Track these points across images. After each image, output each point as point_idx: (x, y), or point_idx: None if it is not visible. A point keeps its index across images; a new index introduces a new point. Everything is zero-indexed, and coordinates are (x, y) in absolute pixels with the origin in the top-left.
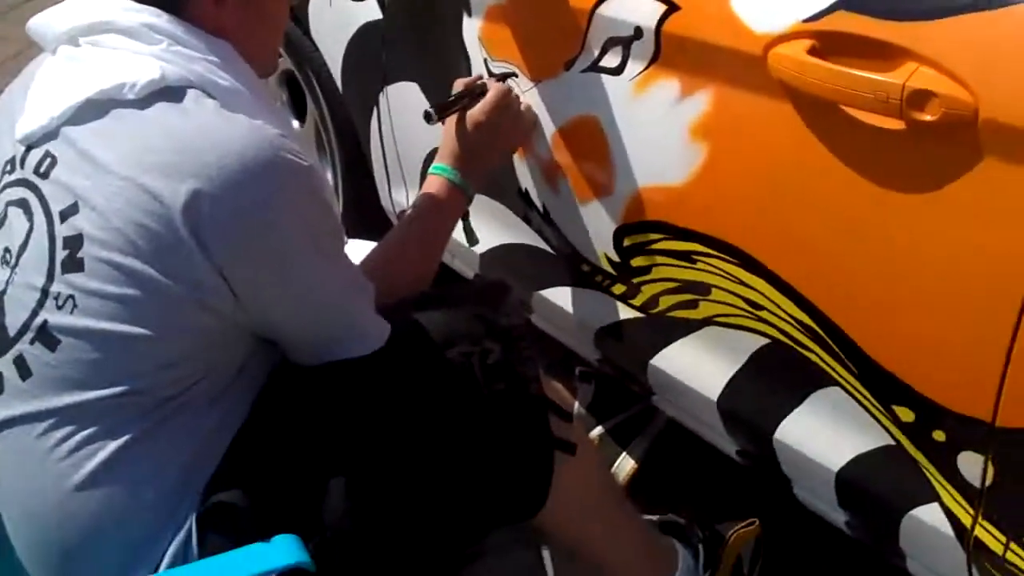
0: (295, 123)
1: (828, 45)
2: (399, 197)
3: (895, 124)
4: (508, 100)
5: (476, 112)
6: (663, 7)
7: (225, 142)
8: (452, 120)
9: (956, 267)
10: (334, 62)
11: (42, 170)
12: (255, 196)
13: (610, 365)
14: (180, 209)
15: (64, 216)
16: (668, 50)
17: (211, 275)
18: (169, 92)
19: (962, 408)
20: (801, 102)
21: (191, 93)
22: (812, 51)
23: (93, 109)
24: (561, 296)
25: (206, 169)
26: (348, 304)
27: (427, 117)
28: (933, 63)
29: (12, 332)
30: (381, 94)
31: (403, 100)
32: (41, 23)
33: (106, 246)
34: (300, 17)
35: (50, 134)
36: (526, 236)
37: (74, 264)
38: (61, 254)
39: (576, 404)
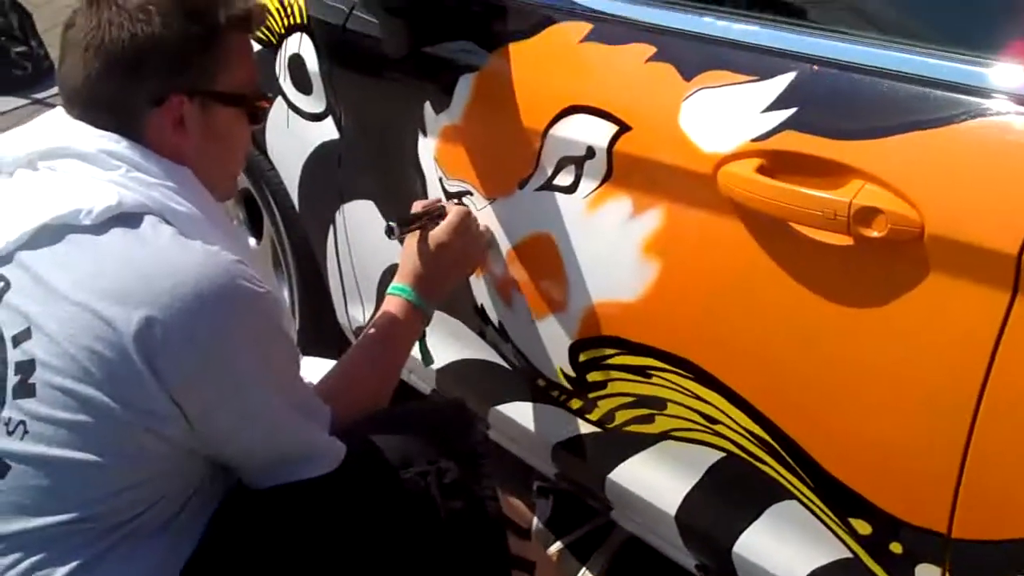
0: (252, 241)
1: (777, 163)
2: (356, 313)
3: (843, 240)
4: (468, 222)
5: (437, 233)
6: (615, 127)
7: (180, 269)
8: (412, 241)
9: (907, 380)
10: (291, 180)
11: None
12: (209, 323)
13: (568, 480)
14: (133, 336)
15: (17, 341)
16: (620, 169)
17: (164, 402)
18: (126, 218)
19: (918, 520)
20: (751, 219)
21: (148, 219)
22: (761, 169)
23: (49, 234)
24: (518, 411)
25: (160, 296)
26: (302, 428)
27: (388, 232)
28: (879, 181)
29: None
30: (338, 212)
31: (360, 218)
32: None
33: (58, 372)
34: (257, 137)
35: (5, 258)
36: (482, 351)
37: (25, 390)
38: (13, 379)
39: (534, 520)
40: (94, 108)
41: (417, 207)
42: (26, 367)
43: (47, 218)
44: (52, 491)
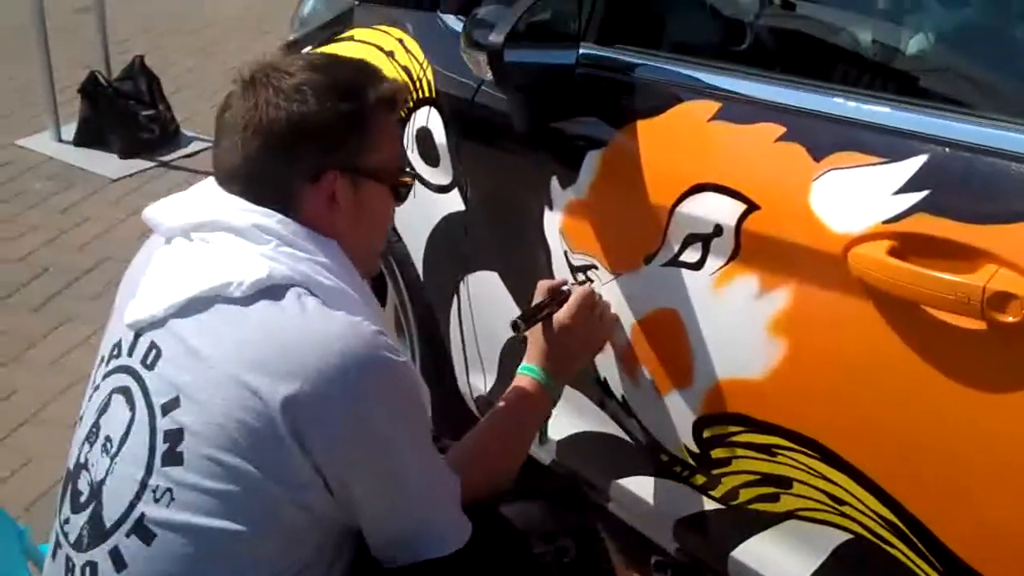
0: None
1: (908, 246)
2: (477, 382)
3: (976, 324)
4: (592, 303)
5: (562, 316)
6: (743, 206)
7: (325, 341)
8: (539, 324)
9: None
10: (416, 250)
11: (148, 361)
12: (353, 392)
13: (689, 555)
14: (280, 405)
15: (166, 410)
16: (748, 247)
17: (308, 470)
18: (273, 290)
19: None
20: (881, 301)
21: (294, 291)
22: (892, 252)
23: (199, 304)
24: (639, 485)
25: (306, 368)
26: (434, 498)
27: (515, 328)
28: (1013, 265)
29: (109, 523)
30: (462, 282)
31: (484, 288)
32: (157, 213)
33: (207, 441)
34: None
35: (157, 323)
36: (604, 425)
37: (174, 458)
38: (161, 447)
39: None
40: (252, 185)
41: (542, 291)
42: (175, 435)
43: (199, 289)
44: (196, 559)
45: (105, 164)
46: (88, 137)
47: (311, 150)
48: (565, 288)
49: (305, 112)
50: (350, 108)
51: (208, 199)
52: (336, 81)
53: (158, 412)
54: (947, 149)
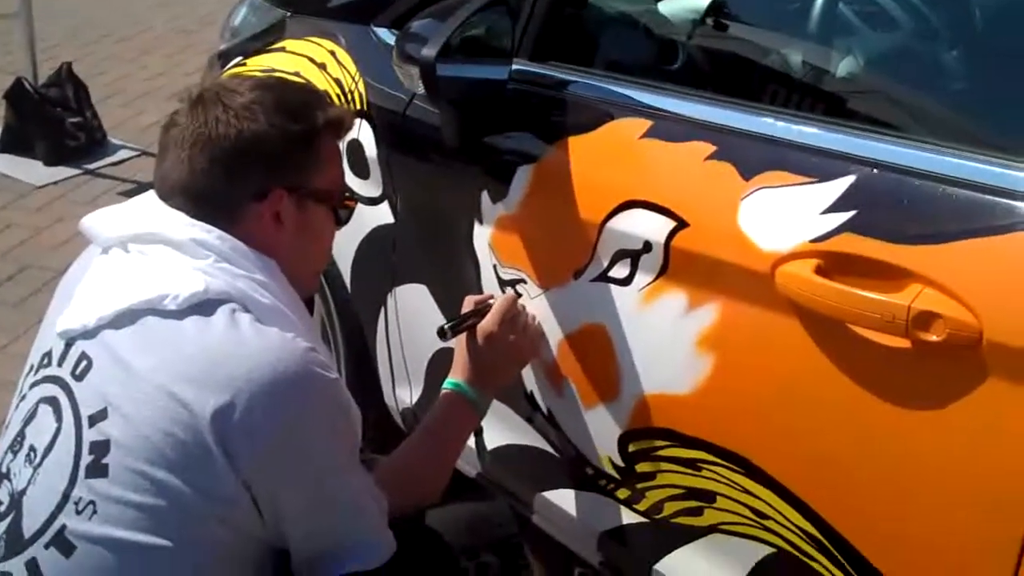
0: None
1: (835, 265)
2: (403, 395)
3: (901, 343)
4: (514, 311)
5: (485, 324)
6: (672, 223)
7: (256, 355)
8: (464, 335)
9: (962, 483)
10: (344, 261)
11: (77, 372)
12: (283, 408)
13: (612, 568)
14: (209, 419)
15: (93, 421)
16: (676, 264)
17: (235, 486)
18: (208, 305)
19: None
20: (808, 319)
21: (228, 307)
22: (819, 270)
23: (132, 316)
24: (564, 498)
25: (236, 381)
26: (362, 516)
27: (441, 334)
28: (938, 285)
29: (28, 534)
30: (389, 294)
31: (411, 301)
32: (95, 223)
33: (133, 454)
34: None
35: (88, 334)
36: (530, 437)
37: (98, 470)
38: (86, 459)
39: None
40: (195, 200)
41: (468, 305)
42: (101, 447)
43: (133, 301)
44: (115, 573)
45: (29, 171)
46: (12, 143)
47: (258, 168)
48: (491, 301)
49: (255, 130)
50: (299, 129)
51: (148, 212)
52: (286, 102)
53: (85, 423)
54: (875, 170)
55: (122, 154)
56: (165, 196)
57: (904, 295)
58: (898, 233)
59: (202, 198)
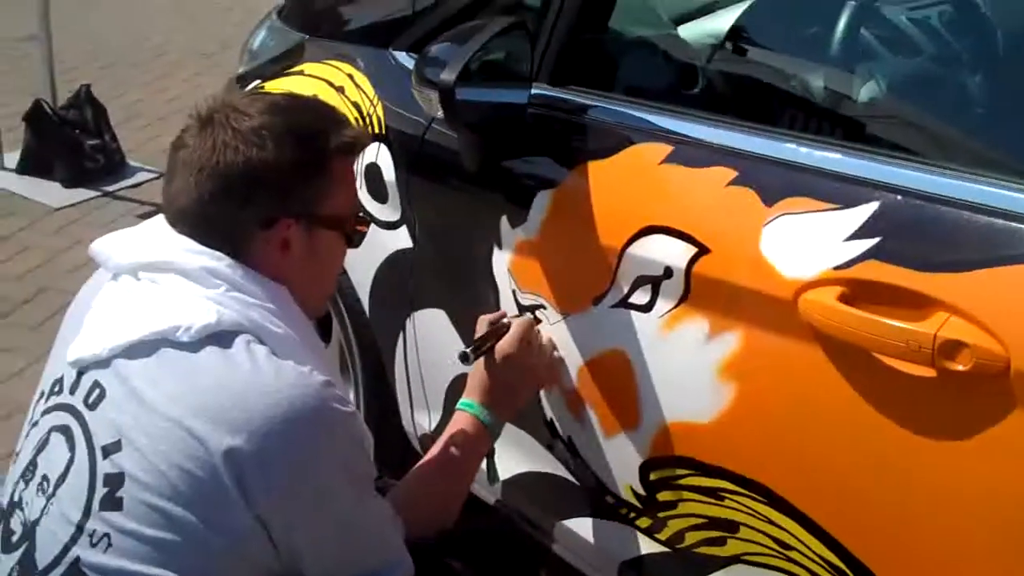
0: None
1: (858, 293)
2: (421, 420)
3: (926, 372)
4: (530, 335)
5: (504, 346)
6: (694, 249)
7: (272, 391)
8: (481, 358)
9: (987, 513)
10: (363, 286)
11: (90, 401)
12: (299, 444)
13: None
14: (223, 455)
15: (107, 452)
16: (697, 290)
17: (250, 522)
18: (221, 337)
19: None
20: (831, 347)
21: (243, 338)
22: (842, 298)
23: (146, 347)
24: (584, 527)
25: (252, 416)
26: (380, 546)
27: (463, 358)
28: (964, 314)
29: (41, 565)
30: (408, 319)
31: (430, 326)
32: (105, 248)
33: (147, 488)
34: None
35: (101, 363)
36: (550, 465)
37: (113, 503)
38: (101, 491)
39: None
40: (203, 227)
41: (483, 325)
42: (115, 479)
43: (146, 332)
44: None
45: (48, 193)
46: (32, 165)
47: (266, 197)
48: (505, 320)
49: (263, 158)
50: (309, 155)
51: (157, 238)
52: (296, 126)
53: (99, 454)
54: (898, 197)
55: (140, 176)
56: (173, 221)
57: (930, 323)
58: (923, 260)
59: (208, 224)
